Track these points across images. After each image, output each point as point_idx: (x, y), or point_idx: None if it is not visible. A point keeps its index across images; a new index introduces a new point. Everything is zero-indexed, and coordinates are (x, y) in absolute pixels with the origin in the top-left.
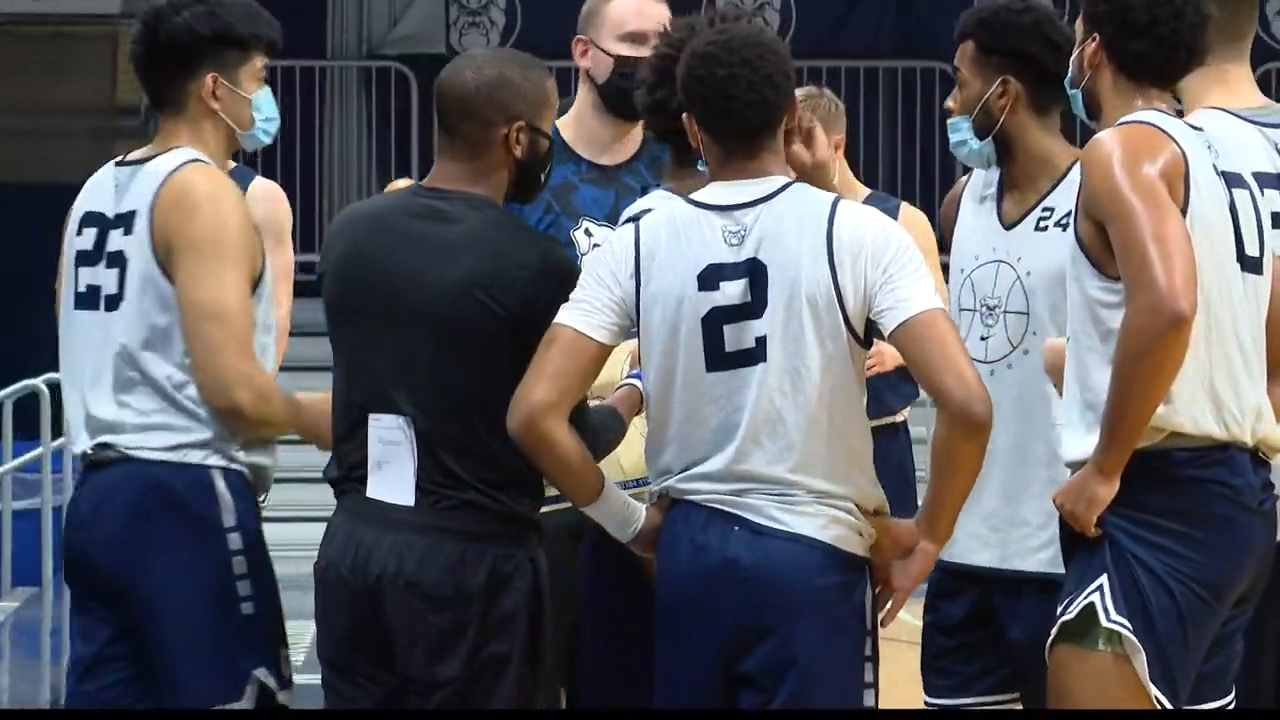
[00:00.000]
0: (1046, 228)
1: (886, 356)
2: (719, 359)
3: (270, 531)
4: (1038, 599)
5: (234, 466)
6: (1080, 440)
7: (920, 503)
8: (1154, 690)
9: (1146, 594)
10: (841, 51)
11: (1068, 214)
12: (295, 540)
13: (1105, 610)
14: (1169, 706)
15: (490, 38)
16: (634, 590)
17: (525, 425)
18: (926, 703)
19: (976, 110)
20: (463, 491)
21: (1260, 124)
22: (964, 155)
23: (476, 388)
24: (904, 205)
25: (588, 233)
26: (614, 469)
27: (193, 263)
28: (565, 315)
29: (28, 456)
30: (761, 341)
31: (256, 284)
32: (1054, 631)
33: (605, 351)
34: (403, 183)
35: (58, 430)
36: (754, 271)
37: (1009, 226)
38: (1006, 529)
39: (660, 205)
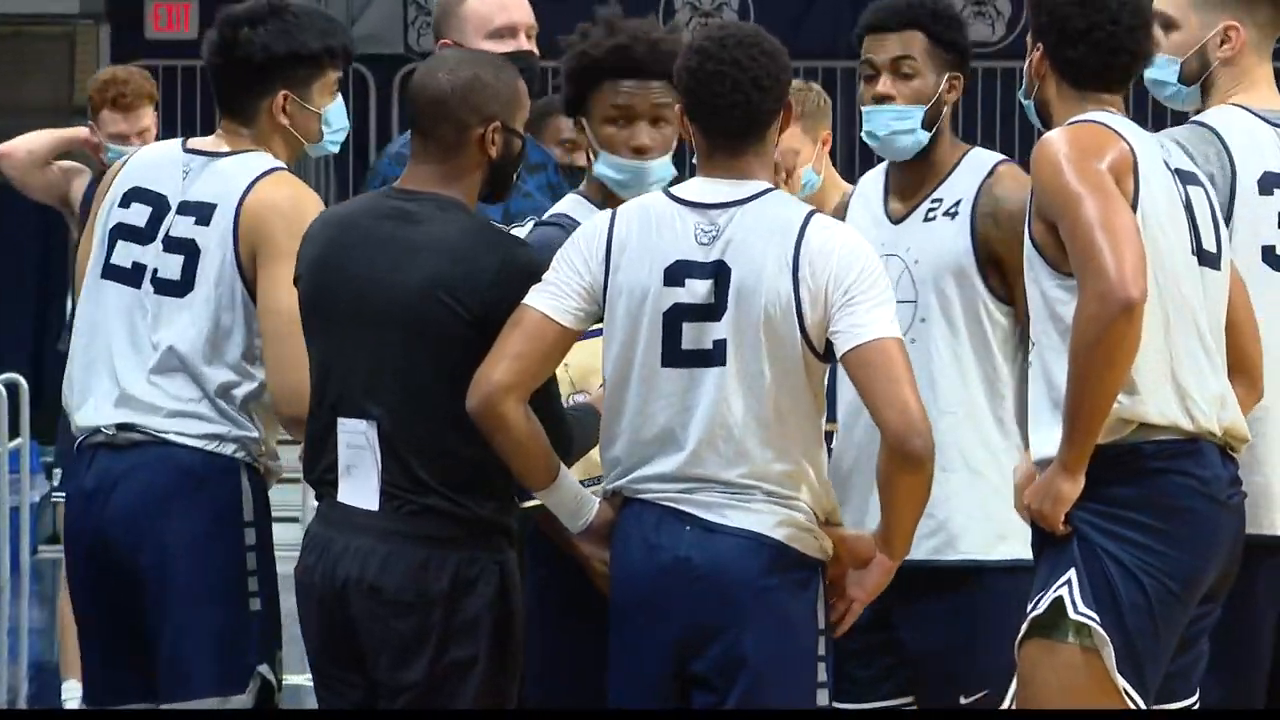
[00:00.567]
0: (935, 218)
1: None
2: (675, 356)
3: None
4: (927, 593)
5: (256, 465)
6: (1048, 439)
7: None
8: (1122, 682)
9: (1116, 587)
10: (799, 51)
11: (956, 203)
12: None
13: (1073, 603)
14: (1137, 699)
15: None
16: (579, 587)
17: (483, 404)
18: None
19: (932, 102)
20: (425, 496)
21: (1277, 125)
22: (903, 145)
23: (440, 390)
24: None
25: None
26: (591, 465)
27: (280, 270)
28: (534, 297)
29: None
30: (720, 345)
31: None
32: (1024, 627)
33: (570, 336)
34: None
35: (14, 432)
36: (719, 273)
37: (897, 221)
38: None
39: (635, 196)
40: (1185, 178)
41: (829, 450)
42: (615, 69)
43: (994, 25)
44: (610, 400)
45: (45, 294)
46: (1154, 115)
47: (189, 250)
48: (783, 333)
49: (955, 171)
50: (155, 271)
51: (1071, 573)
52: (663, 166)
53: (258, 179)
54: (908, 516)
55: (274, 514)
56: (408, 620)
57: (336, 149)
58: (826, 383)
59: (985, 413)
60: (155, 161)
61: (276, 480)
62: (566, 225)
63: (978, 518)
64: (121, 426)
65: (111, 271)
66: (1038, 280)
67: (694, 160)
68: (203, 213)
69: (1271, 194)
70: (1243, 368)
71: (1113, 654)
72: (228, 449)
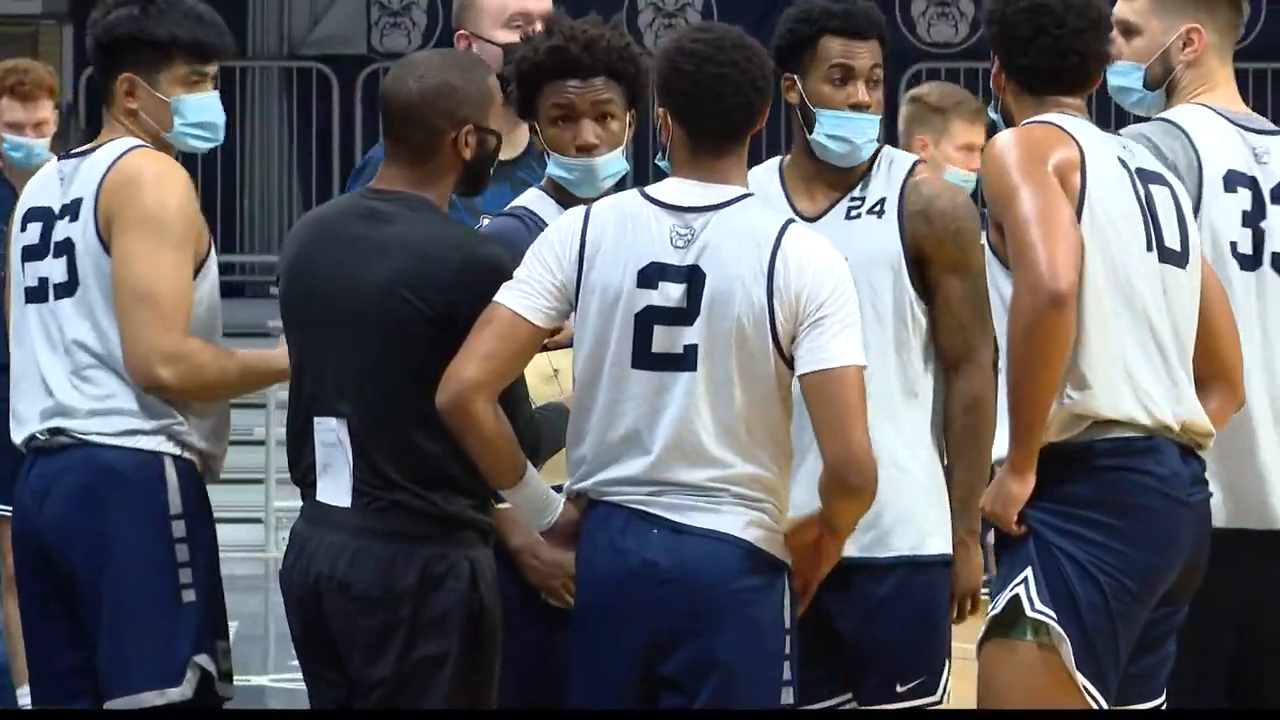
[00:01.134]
0: (859, 215)
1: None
2: (644, 357)
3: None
4: (865, 586)
5: (185, 455)
6: (1004, 438)
7: None
8: (1081, 679)
9: (1072, 585)
10: None
11: (880, 202)
12: None
13: (1030, 601)
14: (1098, 696)
15: (412, 38)
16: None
17: (453, 402)
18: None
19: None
20: (393, 493)
21: (1240, 126)
22: (865, 155)
23: (406, 388)
24: None
25: None
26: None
27: (129, 242)
28: (504, 295)
29: None
30: (691, 350)
31: (202, 265)
32: (983, 627)
33: (541, 334)
34: None
35: None
36: (693, 278)
37: (812, 219)
38: None
39: (609, 195)
40: (1148, 177)
41: None
42: (555, 69)
43: (957, 26)
44: (579, 399)
45: None
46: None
47: (69, 250)
48: (754, 342)
49: (874, 171)
50: (50, 280)
51: (1028, 571)
52: (611, 163)
53: (117, 159)
54: (845, 524)
55: (236, 515)
56: (376, 616)
57: (204, 146)
58: None
59: (903, 411)
60: (41, 179)
61: (219, 462)
62: (525, 218)
63: (905, 516)
64: (52, 431)
65: (28, 294)
66: (995, 282)
67: (657, 159)
68: (74, 210)
69: (1235, 192)
70: (1220, 373)
71: (1071, 651)
72: (149, 442)
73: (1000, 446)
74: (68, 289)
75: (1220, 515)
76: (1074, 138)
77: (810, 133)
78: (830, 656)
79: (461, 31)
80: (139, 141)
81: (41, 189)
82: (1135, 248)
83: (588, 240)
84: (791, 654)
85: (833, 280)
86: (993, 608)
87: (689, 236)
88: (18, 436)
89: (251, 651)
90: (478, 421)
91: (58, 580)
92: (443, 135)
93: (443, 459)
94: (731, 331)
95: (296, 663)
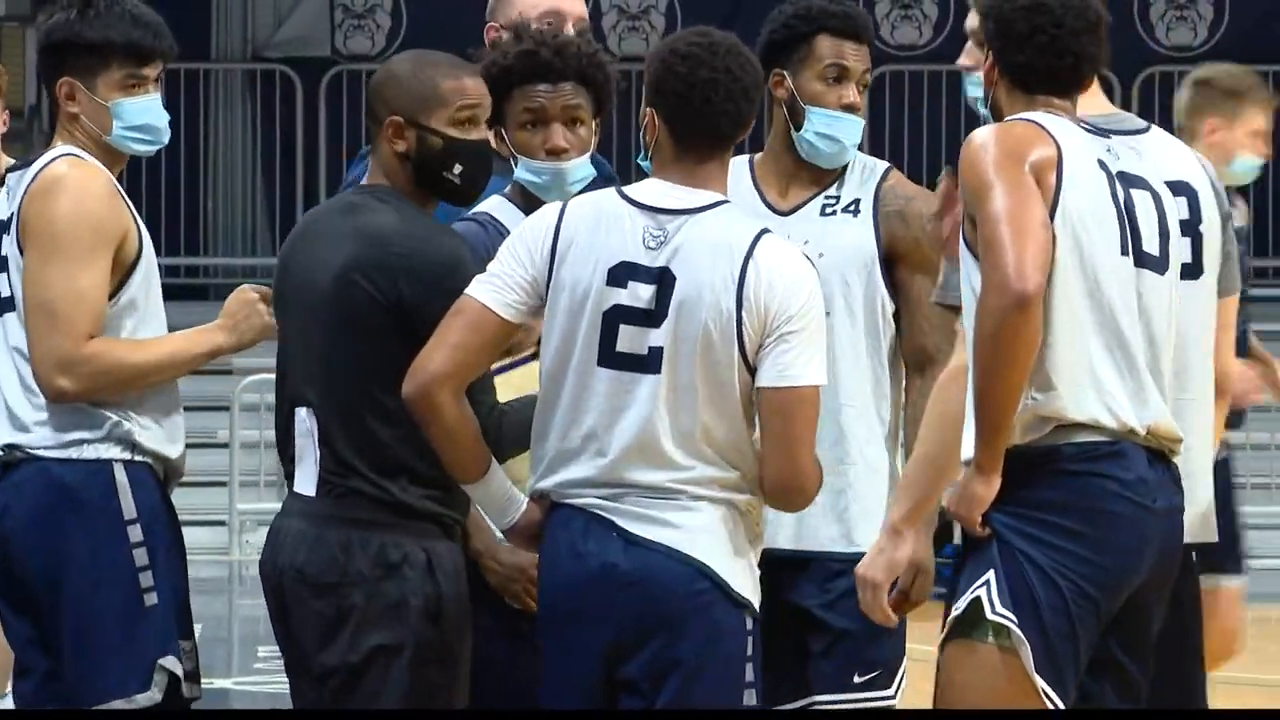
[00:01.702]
0: (834, 212)
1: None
2: (609, 356)
3: None
4: (835, 576)
5: (137, 458)
6: (970, 439)
7: None
8: (1041, 682)
9: (1034, 588)
10: None
11: (854, 202)
12: None
13: (990, 603)
14: (1056, 699)
15: (375, 40)
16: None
17: (419, 393)
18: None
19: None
20: (350, 479)
21: (1098, 129)
22: (849, 156)
23: (364, 376)
24: None
25: None
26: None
27: (31, 252)
28: (476, 287)
29: None
30: (656, 353)
31: (133, 266)
32: (945, 628)
33: (510, 328)
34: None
35: None
36: (663, 280)
37: (786, 213)
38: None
39: (557, 198)
40: (1130, 181)
41: None
42: (525, 74)
43: (921, 28)
44: (544, 395)
45: None
46: (1161, 116)
47: (8, 264)
48: (720, 349)
49: (848, 172)
50: (1, 293)
51: (990, 574)
52: (580, 167)
53: (40, 170)
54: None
55: (199, 518)
56: (328, 600)
57: (146, 149)
58: None
59: (872, 409)
60: None
61: (178, 463)
62: (486, 224)
63: (873, 511)
64: (8, 447)
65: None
66: (970, 280)
67: (638, 160)
68: (8, 223)
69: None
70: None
71: (1030, 654)
72: (96, 450)
73: (967, 447)
74: (10, 303)
75: None
76: (1053, 137)
77: (798, 130)
78: (787, 658)
79: (492, 24)
80: (69, 149)
81: None
82: (1108, 251)
83: (561, 236)
84: (754, 655)
85: (804, 295)
86: (955, 609)
87: (662, 238)
88: None
89: (215, 654)
90: (442, 413)
91: (23, 591)
92: (379, 126)
93: (399, 447)
94: (698, 337)
95: (260, 665)
